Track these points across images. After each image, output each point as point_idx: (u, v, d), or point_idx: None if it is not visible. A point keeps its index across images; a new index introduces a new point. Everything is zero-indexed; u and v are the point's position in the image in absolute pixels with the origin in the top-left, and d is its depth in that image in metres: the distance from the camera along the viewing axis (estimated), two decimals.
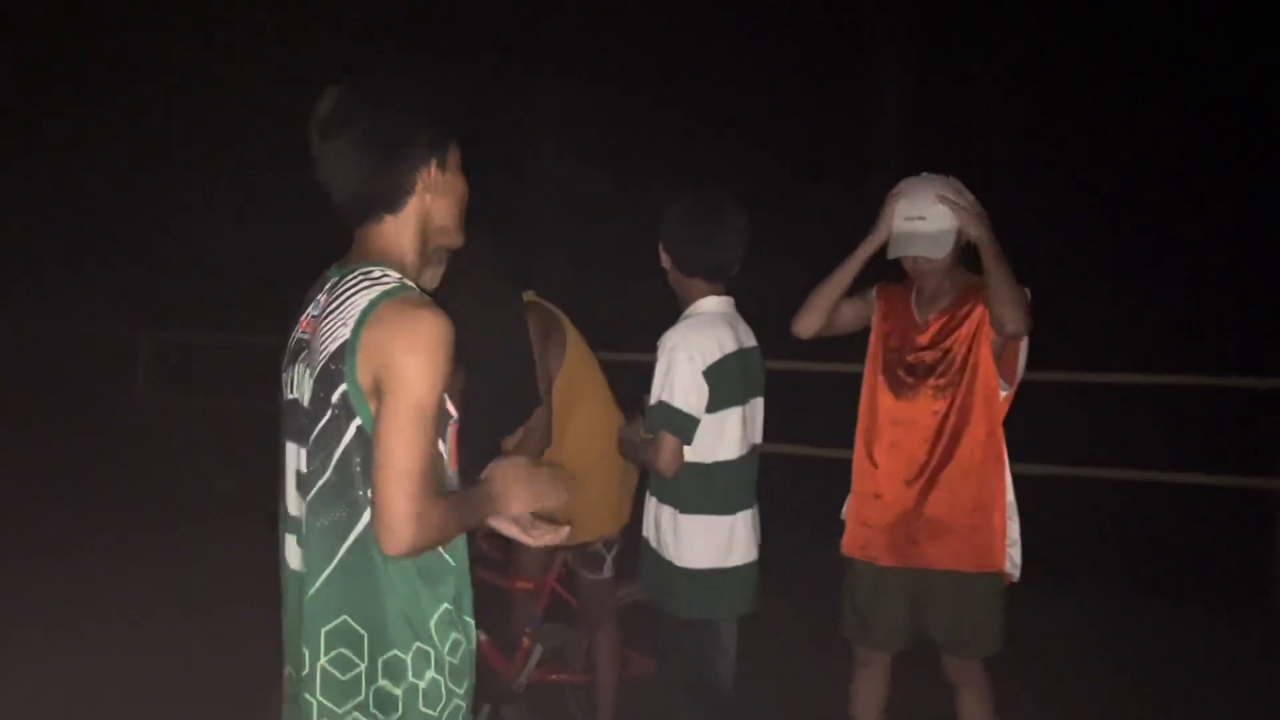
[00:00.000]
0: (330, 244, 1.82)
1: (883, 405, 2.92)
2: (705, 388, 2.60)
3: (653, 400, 2.64)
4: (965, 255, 2.89)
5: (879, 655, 3.00)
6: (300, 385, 1.64)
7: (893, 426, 2.89)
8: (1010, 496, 2.85)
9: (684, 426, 2.59)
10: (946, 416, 2.82)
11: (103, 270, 11.23)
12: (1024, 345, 2.84)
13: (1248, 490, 5.76)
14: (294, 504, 1.67)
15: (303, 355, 1.65)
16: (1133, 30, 12.36)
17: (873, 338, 3.00)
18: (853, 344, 3.13)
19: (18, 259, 10.73)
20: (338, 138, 1.62)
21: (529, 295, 3.36)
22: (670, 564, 2.69)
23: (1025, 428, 7.31)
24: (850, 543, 2.99)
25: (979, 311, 2.81)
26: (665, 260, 2.78)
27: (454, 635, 1.67)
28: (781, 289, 3.20)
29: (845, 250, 2.96)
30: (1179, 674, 4.33)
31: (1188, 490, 6.11)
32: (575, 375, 3.31)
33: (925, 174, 2.90)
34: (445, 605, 1.65)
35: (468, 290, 2.85)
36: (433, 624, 1.63)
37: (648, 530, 2.81)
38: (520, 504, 1.76)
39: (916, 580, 2.89)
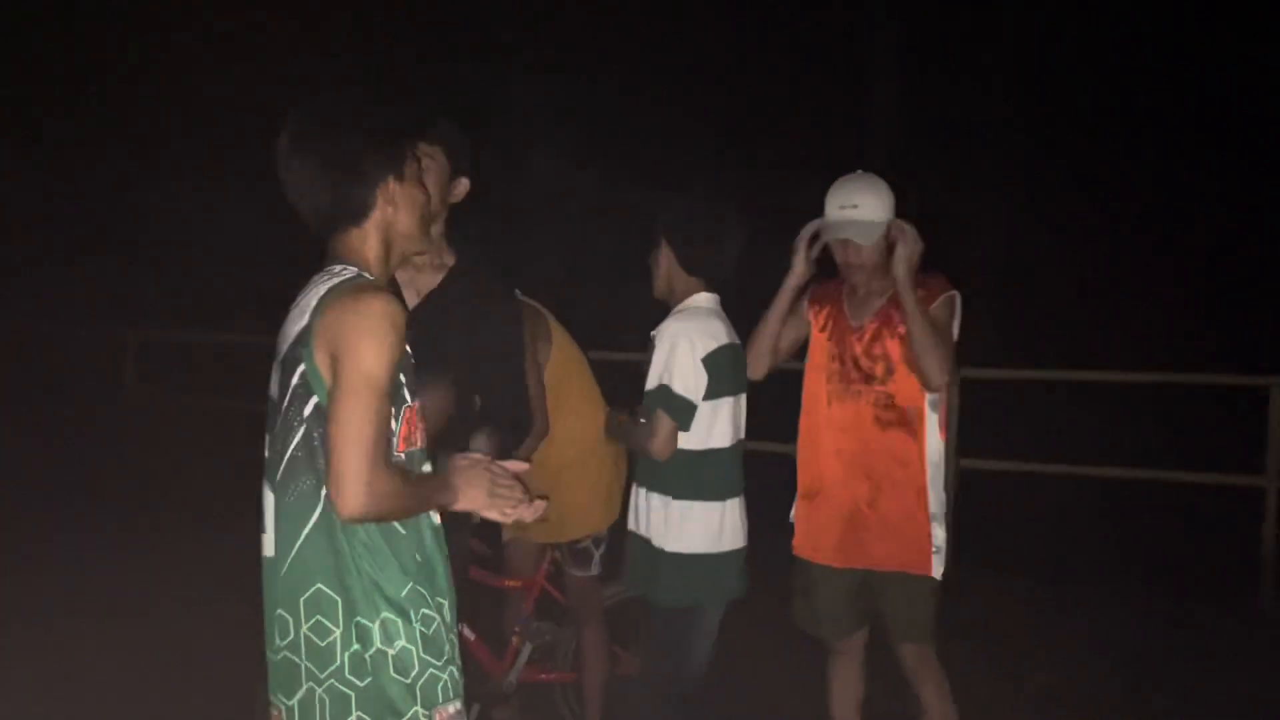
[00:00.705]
0: (317, 242, 1.87)
1: (823, 409, 2.97)
2: (705, 375, 2.67)
3: (651, 385, 2.69)
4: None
5: (848, 643, 3.05)
6: (272, 379, 1.77)
7: (835, 431, 2.94)
8: (934, 504, 2.87)
9: (682, 411, 2.65)
10: (886, 419, 2.87)
11: (89, 268, 11.17)
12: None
13: (1234, 488, 5.80)
14: (266, 493, 1.76)
15: (275, 352, 1.77)
16: (1124, 30, 12.39)
17: (811, 344, 3.06)
18: None
19: (2, 257, 10.68)
20: (299, 164, 1.75)
21: None
22: (660, 550, 2.72)
23: (1009, 425, 7.35)
24: (799, 544, 3.05)
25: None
26: (666, 256, 2.81)
27: (425, 610, 1.74)
28: (774, 285, 3.22)
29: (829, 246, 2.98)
30: (1167, 669, 4.36)
31: (1175, 488, 6.15)
32: (561, 373, 3.31)
33: (860, 171, 2.98)
34: (411, 584, 1.73)
35: (460, 292, 2.84)
36: (402, 596, 1.71)
37: (634, 521, 2.83)
38: (472, 503, 1.82)
39: (864, 578, 2.96)
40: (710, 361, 2.68)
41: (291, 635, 1.71)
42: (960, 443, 6.01)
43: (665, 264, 2.82)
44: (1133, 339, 10.46)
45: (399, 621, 1.70)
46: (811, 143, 12.02)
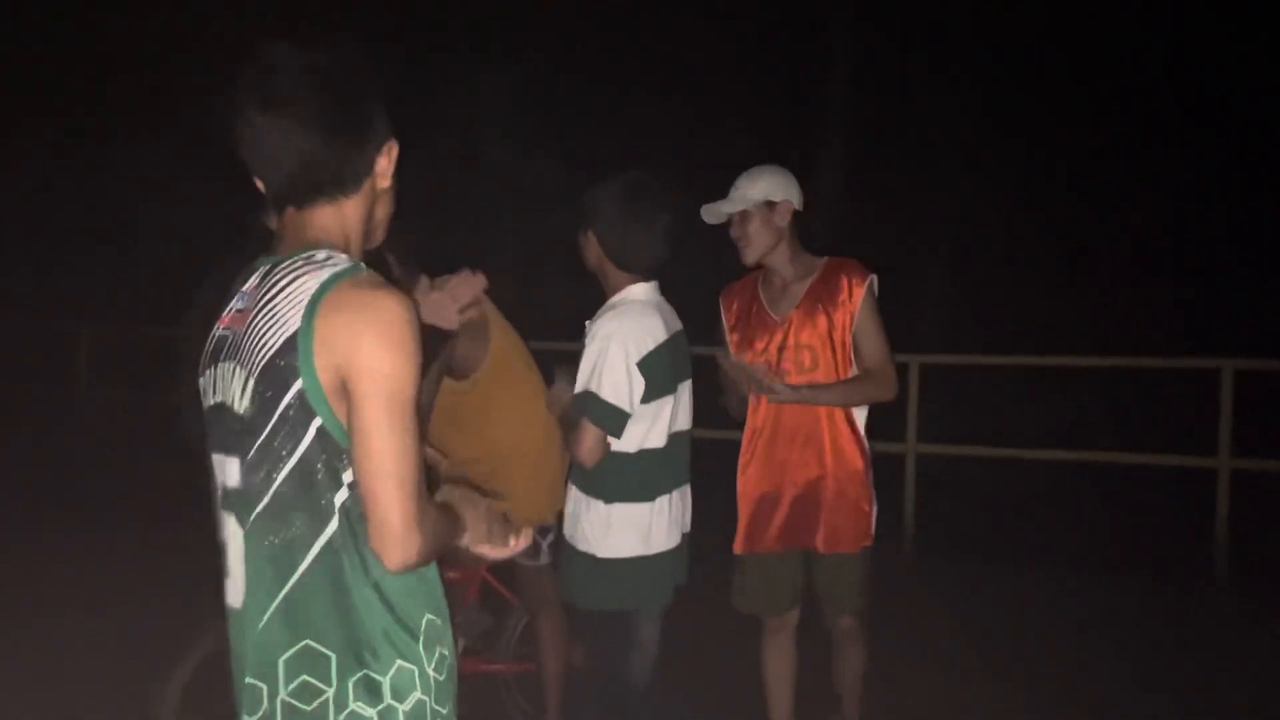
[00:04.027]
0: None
1: (759, 403, 3.06)
2: (640, 381, 2.52)
3: (578, 389, 2.54)
4: (805, 235, 3.08)
5: (779, 621, 3.16)
6: (229, 388, 1.44)
7: (770, 423, 3.06)
8: (870, 481, 3.04)
9: (610, 419, 2.50)
10: (819, 408, 2.99)
11: (43, 264, 10.98)
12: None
13: (1187, 469, 5.88)
14: (229, 528, 1.47)
15: (227, 354, 1.45)
16: (1072, 21, 12.51)
17: (731, 345, 3.12)
18: None
19: None
20: (288, 110, 1.41)
21: None
22: (590, 556, 2.62)
23: (962, 410, 7.38)
24: (739, 541, 3.16)
25: (841, 304, 2.98)
26: (597, 250, 2.67)
27: (439, 650, 1.50)
28: (725, 276, 3.23)
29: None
30: (1126, 648, 4.40)
31: (1128, 470, 6.22)
32: (501, 363, 3.27)
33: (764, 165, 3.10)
34: (429, 616, 1.49)
35: None
36: (421, 640, 1.47)
37: (567, 525, 2.72)
38: (475, 536, 1.62)
39: (802, 558, 3.10)
40: (646, 365, 2.52)
41: (265, 706, 1.43)
42: (917, 429, 6.07)
43: (596, 252, 2.67)
44: (1084, 323, 10.61)
45: (414, 670, 1.45)
46: (763, 130, 12.03)
